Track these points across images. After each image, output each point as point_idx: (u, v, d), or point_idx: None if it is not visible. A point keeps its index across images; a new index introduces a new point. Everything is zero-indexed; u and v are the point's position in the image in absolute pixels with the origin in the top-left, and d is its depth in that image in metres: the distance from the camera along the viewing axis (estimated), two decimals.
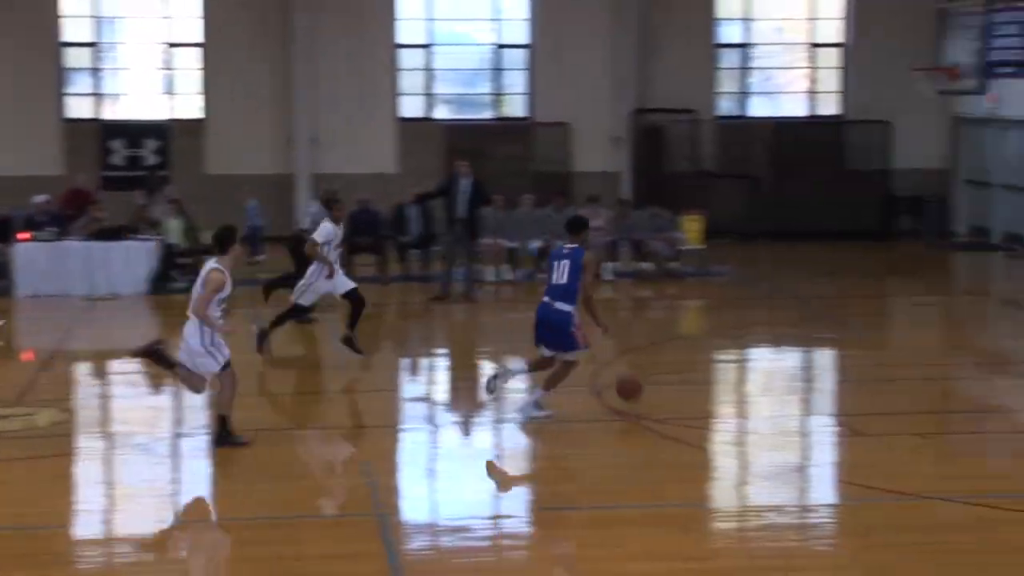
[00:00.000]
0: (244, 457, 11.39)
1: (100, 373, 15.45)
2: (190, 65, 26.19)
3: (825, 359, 16.41)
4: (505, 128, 26.73)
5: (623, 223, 22.19)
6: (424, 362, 16.44)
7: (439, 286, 19.59)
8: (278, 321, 15.53)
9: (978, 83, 20.68)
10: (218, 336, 11.35)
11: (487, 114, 27.08)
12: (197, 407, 12.70)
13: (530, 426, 12.31)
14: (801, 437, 12.66)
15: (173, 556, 9.47)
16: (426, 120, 26.66)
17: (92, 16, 25.94)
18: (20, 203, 21.27)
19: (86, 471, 11.38)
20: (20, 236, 19.98)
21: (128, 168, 25.48)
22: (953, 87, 21.60)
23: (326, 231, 15.18)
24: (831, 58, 27.53)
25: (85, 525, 10.05)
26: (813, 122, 27.56)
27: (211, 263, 11.41)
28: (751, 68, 27.53)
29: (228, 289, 11.36)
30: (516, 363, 13.20)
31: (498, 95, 27.05)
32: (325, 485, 10.97)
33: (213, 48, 25.96)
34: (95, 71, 26.08)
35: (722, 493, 10.92)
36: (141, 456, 11.54)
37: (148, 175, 25.03)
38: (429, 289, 19.90)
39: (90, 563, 9.25)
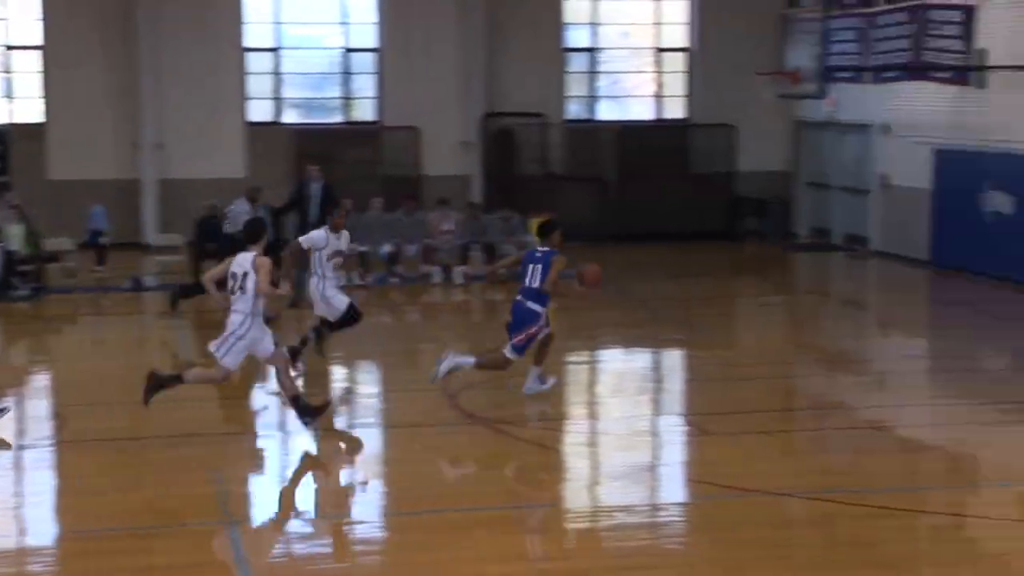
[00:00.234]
0: (89, 467, 11.15)
1: None
2: (29, 68, 25.57)
3: (673, 359, 16.63)
4: (354, 132, 26.60)
5: (473, 226, 22.24)
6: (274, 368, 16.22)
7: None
8: (314, 339, 14.81)
9: (818, 88, 21.14)
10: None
11: (336, 118, 26.93)
12: (41, 417, 12.40)
13: (384, 431, 12.25)
14: (651, 437, 12.82)
15: (14, 572, 9.22)
16: (275, 124, 26.41)
17: None
18: None
19: None
20: None
21: None
22: (794, 91, 22.06)
23: (317, 238, 14.31)
24: (677, 63, 27.92)
25: None
26: (659, 126, 27.93)
27: (250, 254, 11.94)
28: (599, 72, 27.79)
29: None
30: (465, 357, 13.31)
31: (347, 99, 26.91)
32: (173, 494, 10.78)
33: (53, 51, 25.39)
34: None
35: (575, 494, 11.01)
36: None
37: None
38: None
39: None
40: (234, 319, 11.96)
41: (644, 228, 26.53)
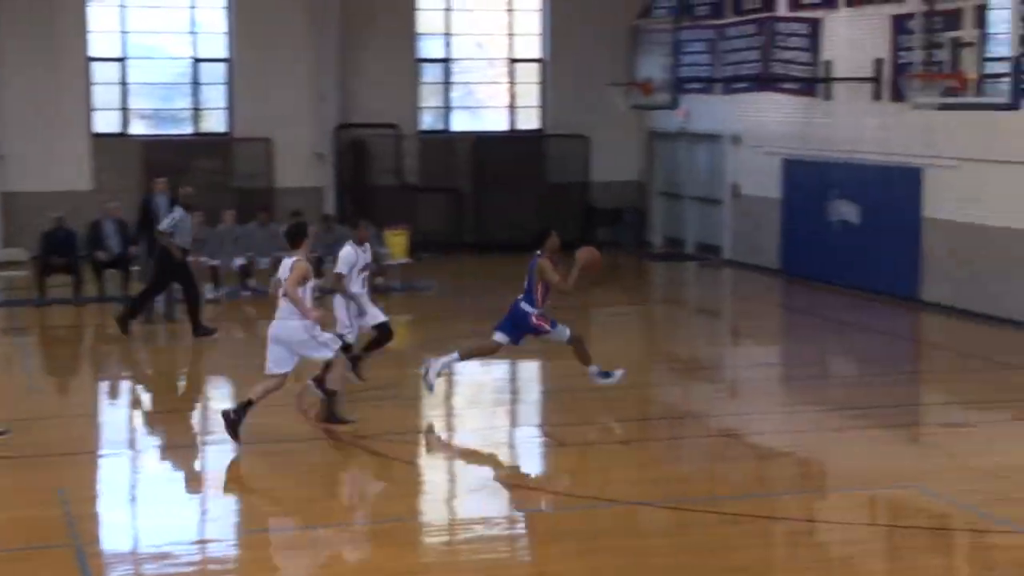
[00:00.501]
0: None
1: None
2: None
3: (530, 370, 16.70)
4: (204, 143, 26.27)
5: (327, 239, 22.07)
6: (123, 386, 15.97)
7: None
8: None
9: (670, 98, 21.45)
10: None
11: (186, 129, 26.56)
12: None
13: (236, 447, 12.11)
14: (508, 449, 12.87)
15: None
16: (122, 136, 25.95)
17: None
18: None
19: None
20: None
21: None
22: (647, 102, 22.34)
23: (348, 257, 13.92)
24: (530, 73, 28.10)
25: None
26: (514, 136, 28.07)
27: (291, 259, 12.11)
28: (452, 83, 27.85)
29: (312, 279, 12.26)
30: (446, 356, 13.53)
31: (197, 110, 26.55)
32: (19, 516, 10.51)
33: None
34: None
35: (432, 507, 11.00)
36: None
37: None
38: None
39: None
40: (292, 327, 12.13)
41: (500, 238, 26.63)
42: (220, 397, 15.15)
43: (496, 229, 27.06)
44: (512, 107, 28.18)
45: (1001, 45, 14.78)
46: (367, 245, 14.33)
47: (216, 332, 17.57)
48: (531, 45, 27.97)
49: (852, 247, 21.57)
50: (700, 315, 21.45)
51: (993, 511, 10.31)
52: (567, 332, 13.79)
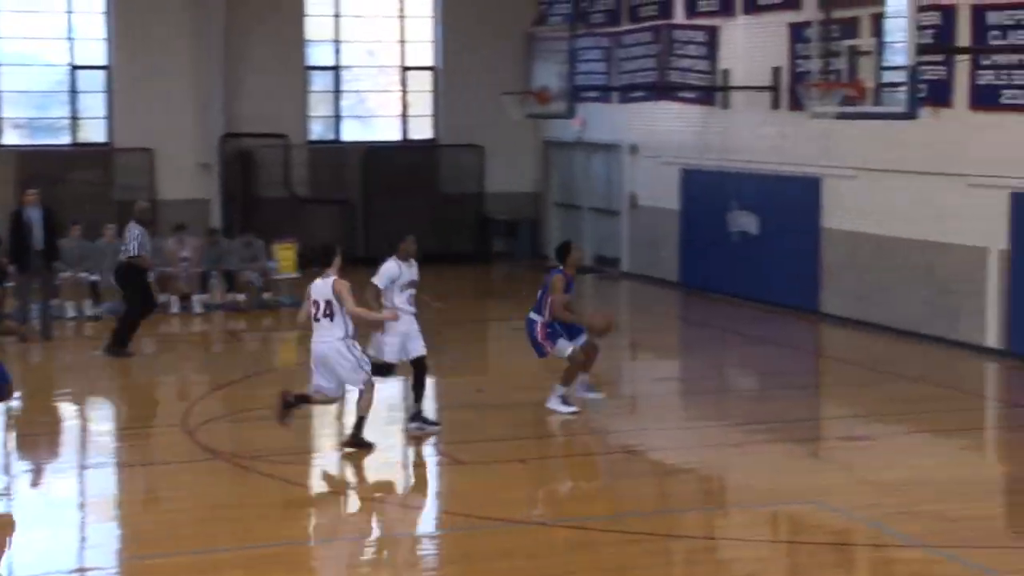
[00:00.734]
0: None
1: None
2: None
3: (425, 387, 16.67)
4: (83, 154, 25.91)
5: (213, 253, 21.89)
6: None
7: (14, 324, 18.77)
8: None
9: (566, 107, 21.55)
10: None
11: (63, 139, 26.16)
12: None
13: (119, 470, 11.94)
14: (403, 468, 12.84)
15: None
16: None
17: None
18: None
19: None
20: None
21: None
22: (542, 111, 22.42)
23: (390, 271, 13.61)
24: (423, 82, 28.10)
25: None
26: (406, 146, 28.04)
27: (327, 279, 12.47)
28: (343, 91, 27.75)
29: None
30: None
31: (74, 119, 26.17)
32: None
33: None
34: None
35: (323, 529, 10.93)
36: None
37: None
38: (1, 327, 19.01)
39: None
40: (336, 349, 12.42)
41: (392, 251, 26.49)
42: (101, 419, 14.95)
43: (389, 241, 26.91)
44: (404, 116, 28.16)
45: (898, 54, 15.05)
46: (412, 260, 13.98)
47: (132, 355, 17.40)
48: (424, 53, 27.98)
49: (751, 258, 21.83)
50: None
51: (893, 526, 10.48)
52: (568, 350, 14.04)
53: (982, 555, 9.87)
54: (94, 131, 26.18)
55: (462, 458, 12.64)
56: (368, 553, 10.17)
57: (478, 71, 27.14)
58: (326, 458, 13.01)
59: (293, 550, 10.15)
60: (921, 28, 16.45)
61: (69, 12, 25.77)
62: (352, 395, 12.98)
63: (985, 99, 17.34)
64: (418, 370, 13.70)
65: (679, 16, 23.46)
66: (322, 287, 12.48)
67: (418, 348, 13.63)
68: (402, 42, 27.87)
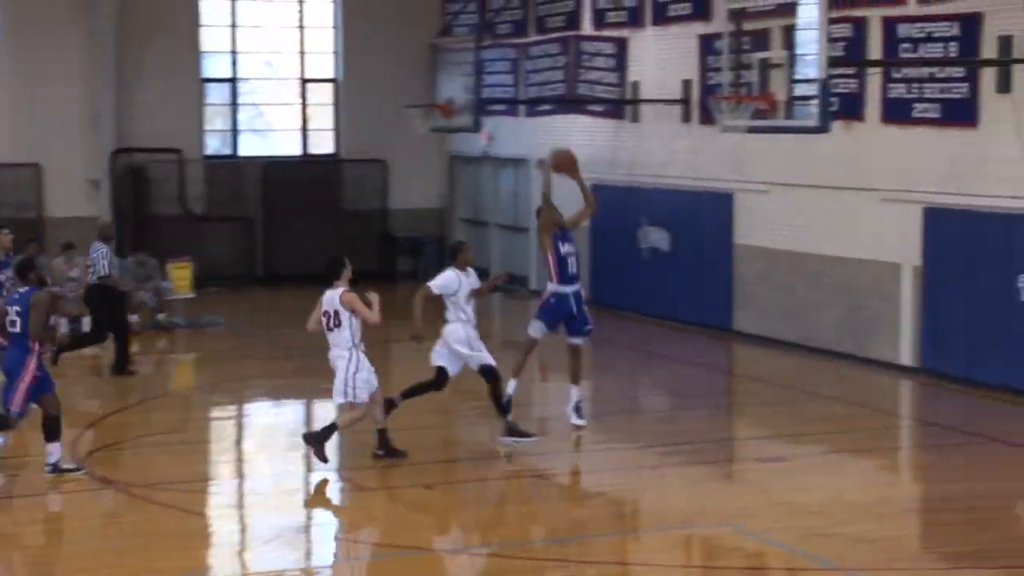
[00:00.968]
0: None
1: None
2: None
3: (325, 411, 16.58)
4: None
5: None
6: None
7: None
8: (412, 392, 14.05)
9: (472, 121, 21.59)
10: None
11: None
12: None
13: (8, 501, 11.74)
14: (304, 495, 12.75)
15: None
16: None
17: None
18: None
19: None
20: None
21: None
22: (447, 125, 22.43)
23: (449, 282, 13.67)
24: (324, 94, 28.02)
25: None
26: (307, 161, 27.93)
27: (336, 290, 13.06)
28: (240, 104, 27.59)
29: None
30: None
31: None
32: None
33: None
34: None
35: (222, 560, 10.83)
36: None
37: None
38: None
39: None
40: (339, 362, 13.01)
41: (294, 269, 26.44)
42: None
43: (289, 260, 26.86)
44: (305, 130, 28.05)
45: (810, 67, 15.24)
46: (471, 270, 14.00)
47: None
48: (324, 64, 27.90)
49: (663, 275, 21.99)
50: (506, 349, 21.53)
51: (809, 548, 10.59)
52: (536, 329, 14.65)
53: None
54: None
55: (366, 484, 12.59)
56: None
57: (381, 83, 27.12)
58: (225, 486, 12.90)
59: None
60: (832, 40, 16.67)
61: None
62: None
63: (897, 112, 17.63)
64: (490, 382, 13.87)
65: (587, 27, 23.62)
66: (331, 298, 13.12)
67: (485, 357, 13.82)
68: (302, 53, 27.77)
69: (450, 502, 12.35)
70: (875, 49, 17.87)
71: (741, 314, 20.49)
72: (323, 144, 28.12)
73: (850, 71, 18.13)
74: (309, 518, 12.06)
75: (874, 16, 17.85)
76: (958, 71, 16.74)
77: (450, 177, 28.42)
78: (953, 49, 16.74)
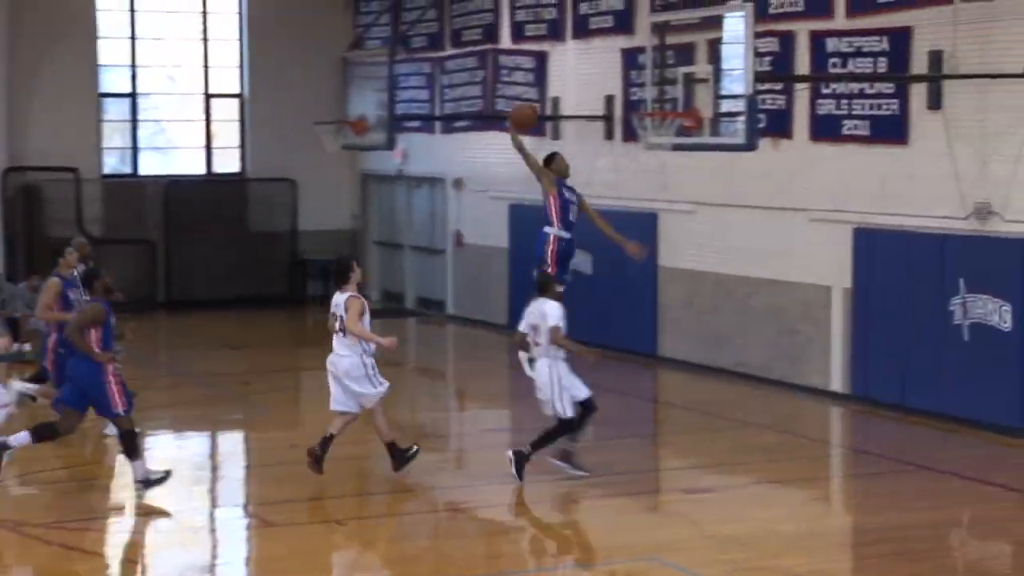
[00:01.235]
0: None
1: None
2: None
3: (232, 443, 16.49)
4: None
5: None
6: None
7: None
8: (543, 442, 13.82)
9: (385, 138, 21.55)
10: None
11: None
12: None
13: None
14: (208, 532, 12.64)
15: None
16: None
17: None
18: None
19: None
20: None
21: None
22: (360, 142, 22.39)
23: (559, 311, 13.85)
24: (230, 110, 27.88)
25: None
26: (212, 180, 27.78)
27: (344, 294, 13.47)
28: (141, 120, 27.39)
29: (368, 313, 13.61)
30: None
31: None
32: None
33: None
34: None
35: None
36: None
37: None
38: None
39: None
40: (347, 364, 13.55)
41: (198, 293, 26.26)
42: None
43: (193, 284, 26.69)
44: (209, 148, 27.91)
45: (736, 82, 15.34)
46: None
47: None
48: (230, 79, 27.78)
49: (585, 300, 22.00)
50: (422, 376, 21.53)
51: None
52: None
53: None
54: None
55: (273, 519, 12.49)
56: None
57: (289, 99, 27.05)
58: (125, 523, 12.76)
59: None
60: (759, 55, 16.85)
61: None
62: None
63: (826, 130, 17.82)
64: (587, 411, 13.91)
65: (505, 41, 23.69)
66: (339, 301, 13.55)
67: (584, 390, 13.98)
68: (206, 67, 27.64)
69: (363, 538, 12.28)
70: (803, 64, 18.06)
71: (666, 339, 20.58)
72: (228, 163, 27.97)
73: (777, 87, 18.31)
74: (214, 557, 11.95)
75: (802, 30, 18.04)
76: (888, 87, 16.95)
77: (363, 197, 28.36)
78: (883, 64, 16.96)
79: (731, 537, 11.86)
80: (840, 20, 17.57)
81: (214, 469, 15.12)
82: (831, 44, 17.61)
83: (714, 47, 17.49)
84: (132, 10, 26.92)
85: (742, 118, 15.06)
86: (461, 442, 16.48)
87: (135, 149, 27.38)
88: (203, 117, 27.83)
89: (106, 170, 27.03)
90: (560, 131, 22.67)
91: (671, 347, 20.51)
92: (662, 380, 20.14)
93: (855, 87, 17.33)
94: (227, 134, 27.99)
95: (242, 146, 27.93)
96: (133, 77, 27.13)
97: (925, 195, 16.63)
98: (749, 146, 15.25)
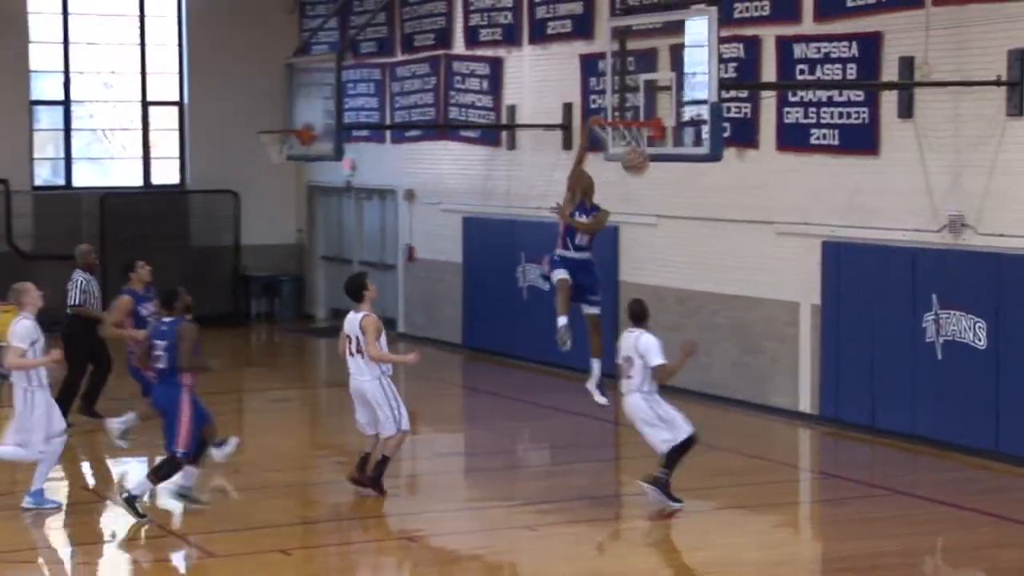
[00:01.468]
0: None
1: None
2: None
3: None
4: None
5: None
6: None
7: None
8: (673, 465, 13.62)
9: (333, 148, 21.53)
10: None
11: None
12: None
13: None
14: (148, 563, 12.59)
15: None
16: None
17: None
18: None
19: None
20: None
21: None
22: (305, 153, 22.35)
23: (658, 346, 13.96)
24: (169, 119, 27.80)
25: None
26: (150, 192, 27.68)
27: (358, 314, 13.76)
28: (75, 130, 27.28)
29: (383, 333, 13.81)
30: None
31: None
32: None
33: None
34: None
35: None
36: None
37: None
38: None
39: None
40: (375, 395, 13.69)
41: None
42: None
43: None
44: (147, 158, 27.81)
45: (700, 89, 15.39)
46: None
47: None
48: (169, 86, 27.71)
49: (543, 317, 22.02)
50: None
51: None
52: (560, 275, 14.83)
53: None
54: None
55: (215, 550, 12.46)
56: None
57: (231, 107, 26.99)
58: (52, 555, 12.70)
59: None
60: (724, 61, 16.92)
61: None
62: None
63: (793, 139, 17.93)
64: (690, 443, 13.81)
65: (459, 46, 23.72)
66: (352, 321, 13.82)
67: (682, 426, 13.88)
68: (143, 73, 27.54)
69: (310, 570, 12.26)
70: (769, 71, 18.17)
71: None
72: (167, 174, 27.89)
73: (743, 94, 18.41)
74: None
75: (768, 35, 18.15)
76: (857, 95, 17.06)
77: (309, 210, 28.32)
78: (852, 71, 17.07)
79: (696, 565, 11.92)
80: (808, 25, 17.69)
81: (152, 497, 15.02)
82: (798, 50, 17.73)
83: (677, 53, 17.55)
84: (65, 13, 26.82)
85: (706, 127, 15.11)
86: (414, 467, 16.45)
87: (68, 160, 27.26)
88: (141, 126, 27.73)
89: (38, 182, 26.91)
90: (516, 141, 22.72)
91: None
92: (622, 401, 20.14)
93: (823, 95, 17.44)
94: (166, 144, 27.90)
95: (182, 156, 27.84)
96: (67, 84, 27.01)
97: (896, 207, 16.74)
98: (713, 156, 15.30)
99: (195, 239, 27.49)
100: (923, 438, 16.28)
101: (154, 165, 27.85)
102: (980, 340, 15.70)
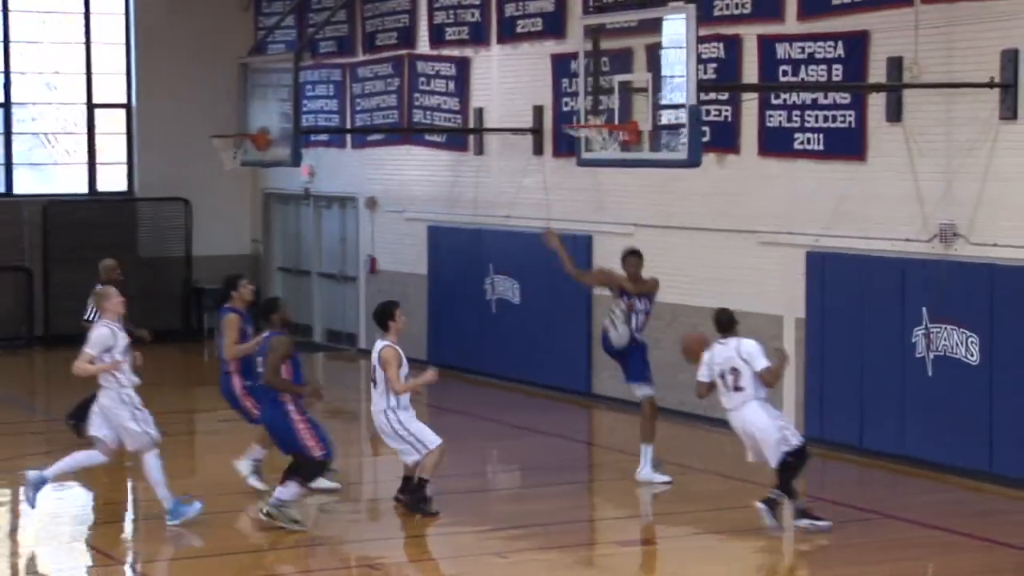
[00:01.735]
0: None
1: None
2: None
3: (118, 493, 16.36)
4: None
5: None
6: None
7: None
8: (788, 485, 13.75)
9: (290, 153, 21.52)
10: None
11: None
12: None
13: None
14: None
15: None
16: None
17: None
18: None
19: None
20: None
21: None
22: (261, 158, 22.33)
23: (760, 347, 13.98)
24: (116, 122, 27.75)
25: None
26: (96, 200, 27.61)
27: (381, 343, 14.13)
28: (16, 133, 27.22)
29: (406, 364, 14.02)
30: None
31: None
32: None
33: None
34: None
35: None
36: None
37: None
38: None
39: None
40: (379, 423, 14.04)
41: (79, 328, 25.97)
42: None
43: (74, 317, 26.35)
44: (92, 164, 27.76)
45: (678, 91, 15.42)
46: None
47: None
48: (116, 87, 27.66)
49: (512, 332, 22.08)
50: (333, 418, 21.44)
51: None
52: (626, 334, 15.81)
53: None
54: None
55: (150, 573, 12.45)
56: None
57: (182, 109, 26.98)
58: None
59: None
60: (703, 62, 16.98)
61: None
62: None
63: (776, 144, 17.98)
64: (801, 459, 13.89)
65: (423, 45, 23.75)
66: (374, 350, 14.19)
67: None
68: (88, 74, 27.49)
69: None
70: (751, 72, 18.23)
71: (602, 375, 20.62)
72: (114, 180, 27.85)
73: (723, 97, 18.46)
74: None
75: (749, 34, 18.21)
76: (844, 97, 17.13)
77: (265, 219, 28.30)
78: (838, 72, 17.14)
79: None
80: (791, 23, 17.75)
81: (97, 523, 14.99)
82: (781, 50, 17.79)
83: (653, 53, 17.60)
84: (5, 10, 26.78)
85: (684, 131, 15.15)
86: (376, 491, 16.46)
87: (9, 165, 27.19)
88: (86, 130, 27.68)
89: None
90: (484, 145, 22.74)
91: (606, 384, 20.55)
92: (597, 420, 20.20)
93: (808, 97, 17.50)
94: (113, 149, 27.86)
95: (129, 162, 27.79)
96: (7, 85, 26.97)
97: (884, 216, 16.80)
98: (692, 162, 15.34)
99: (144, 249, 27.42)
100: (913, 458, 16.33)
101: (100, 171, 27.80)
102: (973, 355, 15.76)
